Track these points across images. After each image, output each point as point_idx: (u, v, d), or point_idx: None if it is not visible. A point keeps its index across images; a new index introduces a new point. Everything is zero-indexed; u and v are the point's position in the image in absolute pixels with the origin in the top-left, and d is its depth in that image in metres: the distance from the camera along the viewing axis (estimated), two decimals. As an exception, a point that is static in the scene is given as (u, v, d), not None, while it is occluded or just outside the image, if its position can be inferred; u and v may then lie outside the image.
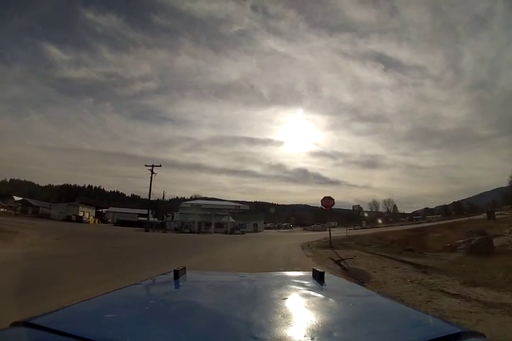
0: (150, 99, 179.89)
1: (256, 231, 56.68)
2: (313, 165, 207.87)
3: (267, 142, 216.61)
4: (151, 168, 40.88)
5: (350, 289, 1.61)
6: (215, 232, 44.93)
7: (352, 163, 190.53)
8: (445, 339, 0.79)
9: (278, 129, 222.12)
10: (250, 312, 1.00)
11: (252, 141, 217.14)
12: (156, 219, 53.05)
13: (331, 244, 17.26)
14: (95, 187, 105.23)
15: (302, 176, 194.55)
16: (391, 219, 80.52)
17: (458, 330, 0.85)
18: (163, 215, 52.81)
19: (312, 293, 1.33)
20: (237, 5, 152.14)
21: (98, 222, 55.34)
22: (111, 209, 64.86)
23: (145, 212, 46.71)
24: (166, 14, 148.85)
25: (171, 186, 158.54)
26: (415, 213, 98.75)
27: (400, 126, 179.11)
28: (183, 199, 79.11)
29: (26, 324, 0.83)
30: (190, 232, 42.50)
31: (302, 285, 1.49)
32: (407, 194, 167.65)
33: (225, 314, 1.00)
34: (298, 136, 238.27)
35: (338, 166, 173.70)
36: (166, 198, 46.66)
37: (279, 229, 72.80)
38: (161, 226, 47.71)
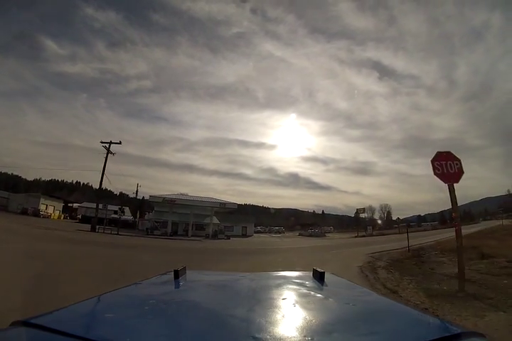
0: (144, 98, 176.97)
1: (245, 235, 47.69)
2: (305, 170, 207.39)
3: (260, 145, 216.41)
4: (107, 145, 31.41)
5: (350, 289, 1.55)
6: (194, 236, 36.01)
7: (343, 169, 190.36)
8: (445, 339, 0.78)
9: (271, 133, 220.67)
10: (250, 311, 0.98)
11: (244, 144, 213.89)
12: (132, 217, 48.15)
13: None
14: (83, 183, 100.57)
15: (293, 180, 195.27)
16: (382, 226, 73.51)
17: (458, 331, 0.84)
18: (142, 213, 47.79)
19: (312, 292, 1.34)
20: (237, 7, 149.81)
21: (66, 218, 50.06)
22: (84, 204, 56.43)
23: (125, 208, 41.41)
24: (166, 13, 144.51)
25: (161, 186, 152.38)
26: (405, 220, 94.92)
27: (393, 134, 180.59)
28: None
29: (26, 323, 0.82)
30: (162, 235, 33.57)
31: (302, 285, 1.49)
32: (397, 201, 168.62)
33: (224, 314, 0.99)
34: (290, 140, 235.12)
35: (330, 172, 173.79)
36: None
37: (270, 233, 64.74)
38: (132, 226, 41.09)
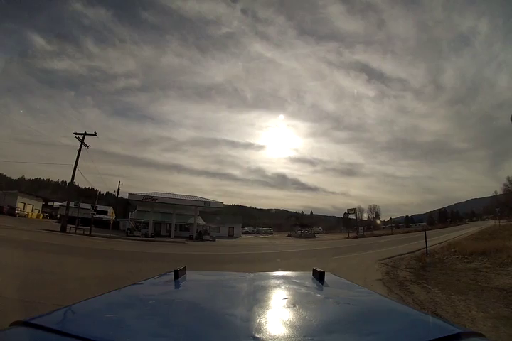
0: (132, 97, 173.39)
1: (232, 236, 45.25)
2: (292, 171, 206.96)
3: (248, 146, 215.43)
4: (81, 136, 28.43)
5: (350, 289, 1.54)
6: (177, 237, 33.52)
7: (331, 170, 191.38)
8: (445, 339, 0.78)
9: (259, 133, 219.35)
10: (250, 311, 0.98)
11: (232, 144, 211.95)
12: (114, 217, 43.28)
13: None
14: (69, 182, 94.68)
15: (281, 181, 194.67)
16: (372, 227, 72.72)
17: (458, 331, 0.84)
18: (126, 213, 45.01)
19: (312, 292, 1.38)
20: (228, 7, 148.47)
21: (45, 217, 47.29)
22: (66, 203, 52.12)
23: (106, 209, 41.11)
24: (156, 11, 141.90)
25: (148, 186, 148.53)
26: (391, 221, 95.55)
27: (380, 136, 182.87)
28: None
29: (26, 324, 0.82)
30: (142, 236, 30.94)
31: (302, 284, 1.52)
32: (384, 202, 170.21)
33: (224, 314, 0.99)
34: (278, 141, 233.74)
35: (317, 173, 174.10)
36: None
37: (258, 234, 62.53)
38: (113, 226, 37.22)
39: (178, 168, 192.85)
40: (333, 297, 1.30)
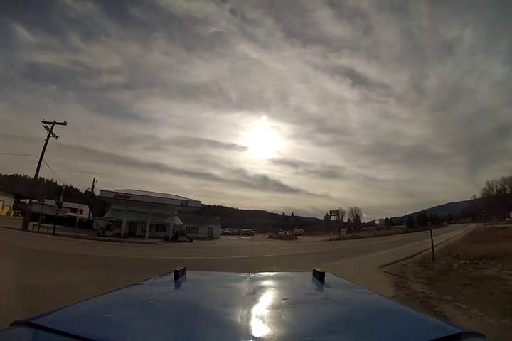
0: (116, 93, 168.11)
1: (211, 237, 43.43)
2: (274, 173, 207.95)
3: (230, 146, 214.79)
4: (50, 126, 25.88)
5: (350, 289, 1.54)
6: (153, 237, 31.43)
7: (312, 172, 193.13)
8: (445, 339, 0.78)
9: (242, 134, 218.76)
10: (250, 312, 0.97)
11: (215, 144, 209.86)
12: (89, 215, 45.10)
13: None
14: (47, 179, 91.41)
15: (262, 182, 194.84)
16: (353, 229, 72.87)
17: (458, 331, 0.84)
18: (103, 212, 42.21)
19: (312, 293, 1.37)
20: (217, 6, 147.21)
21: (17, 215, 44.01)
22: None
23: (82, 207, 38.76)
24: (144, 7, 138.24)
25: (129, 185, 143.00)
26: (374, 223, 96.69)
27: (362, 140, 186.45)
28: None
29: (26, 323, 0.82)
30: (115, 236, 28.66)
31: (302, 285, 1.52)
32: (364, 205, 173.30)
33: (224, 314, 0.98)
34: (261, 142, 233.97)
35: (299, 175, 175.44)
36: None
37: (238, 235, 60.92)
38: (87, 225, 37.56)
39: (161, 168, 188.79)
40: (333, 297, 1.30)
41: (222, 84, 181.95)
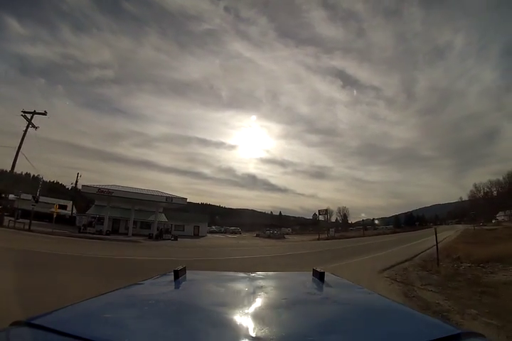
0: (105, 88, 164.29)
1: (197, 235, 42.76)
2: (263, 172, 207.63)
3: (220, 145, 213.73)
4: (29, 116, 24.84)
5: (350, 289, 1.54)
6: (137, 235, 30.69)
7: (300, 172, 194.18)
8: (445, 339, 0.78)
9: (232, 133, 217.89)
10: (250, 311, 0.98)
11: (204, 143, 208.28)
12: (75, 211, 43.58)
13: None
14: (33, 175, 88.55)
15: (251, 181, 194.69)
16: (340, 228, 73.18)
17: (457, 331, 0.84)
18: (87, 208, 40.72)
19: (312, 292, 1.38)
20: (211, 4, 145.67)
21: None
22: (23, 196, 46.74)
23: (66, 203, 39.14)
24: (137, 1, 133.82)
25: (116, 181, 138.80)
26: (358, 223, 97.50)
27: (350, 141, 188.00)
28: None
29: (26, 324, 0.82)
30: (96, 233, 27.86)
31: (302, 284, 1.53)
32: (351, 205, 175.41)
33: (224, 314, 0.98)
34: (250, 141, 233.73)
35: (287, 174, 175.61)
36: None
37: (225, 233, 60.45)
38: (70, 222, 36.24)
39: (148, 165, 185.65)
40: (333, 297, 1.30)
41: (214, 82, 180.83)
